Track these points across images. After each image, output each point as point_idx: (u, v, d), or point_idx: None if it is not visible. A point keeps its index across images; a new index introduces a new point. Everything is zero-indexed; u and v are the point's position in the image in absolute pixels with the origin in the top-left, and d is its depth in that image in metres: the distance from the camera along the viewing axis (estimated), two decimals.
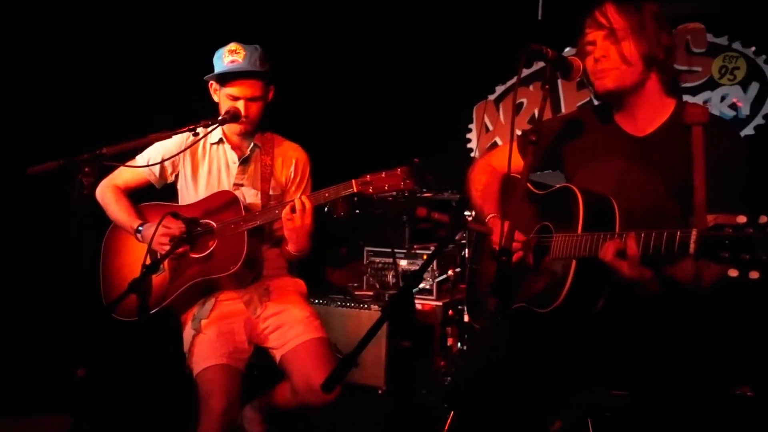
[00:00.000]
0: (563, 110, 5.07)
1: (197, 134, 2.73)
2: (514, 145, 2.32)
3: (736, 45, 4.61)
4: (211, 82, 2.89)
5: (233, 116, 2.77)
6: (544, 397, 2.27)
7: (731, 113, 4.58)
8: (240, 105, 2.80)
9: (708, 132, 1.98)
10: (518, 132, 2.40)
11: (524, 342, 2.15)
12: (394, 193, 2.65)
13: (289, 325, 2.77)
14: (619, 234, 1.87)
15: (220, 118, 2.77)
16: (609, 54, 2.06)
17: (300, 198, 2.68)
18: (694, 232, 1.65)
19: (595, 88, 2.13)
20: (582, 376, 2.17)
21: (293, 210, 2.65)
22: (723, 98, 4.63)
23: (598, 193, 2.04)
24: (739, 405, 3.44)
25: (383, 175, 2.60)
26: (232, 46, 2.83)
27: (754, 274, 1.52)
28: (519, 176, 2.33)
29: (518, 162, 2.36)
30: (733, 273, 1.55)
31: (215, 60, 2.87)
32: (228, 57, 2.81)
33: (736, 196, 1.93)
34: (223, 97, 2.83)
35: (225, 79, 2.80)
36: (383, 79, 5.59)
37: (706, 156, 1.93)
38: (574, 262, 1.95)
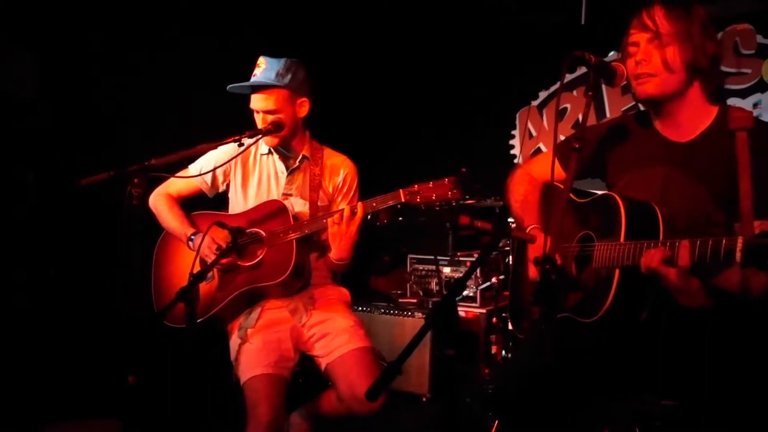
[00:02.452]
0: (608, 115, 5.01)
1: (242, 144, 2.77)
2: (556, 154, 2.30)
3: None
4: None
5: (277, 127, 2.82)
6: (592, 403, 2.24)
7: None
8: (258, 118, 2.86)
9: (753, 137, 1.93)
10: (561, 137, 2.38)
11: (569, 350, 2.13)
12: (443, 203, 2.64)
13: (334, 334, 2.80)
14: (663, 242, 1.84)
15: (264, 128, 2.82)
16: (651, 59, 2.02)
17: (351, 205, 2.70)
18: (740, 240, 1.61)
19: (636, 92, 2.10)
20: (629, 385, 2.14)
21: (342, 216, 2.67)
22: None
23: (640, 200, 2.01)
24: None
25: (431, 185, 2.60)
26: (259, 59, 2.88)
27: None
28: (559, 185, 2.32)
29: (558, 170, 2.33)
30: None
31: None
32: (255, 70, 2.87)
33: None
34: None
35: (251, 91, 2.87)
36: (427, 86, 5.61)
37: (752, 162, 1.89)
38: (617, 272, 1.93)
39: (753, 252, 1.59)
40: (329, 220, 2.69)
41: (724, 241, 1.65)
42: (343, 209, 2.69)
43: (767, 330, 2.07)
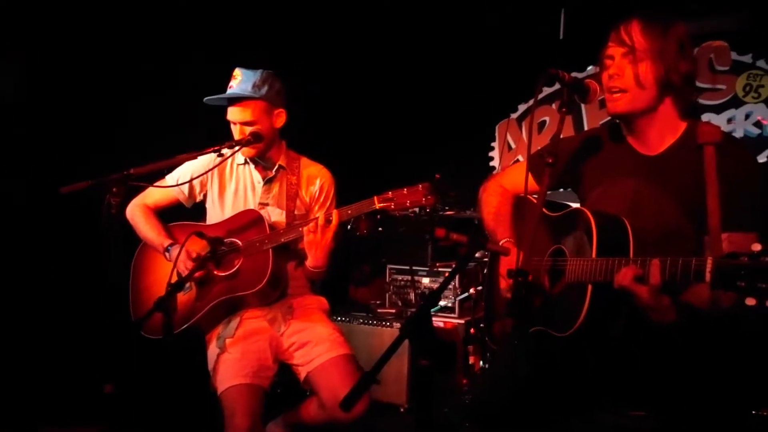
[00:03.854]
0: (585, 128, 5.07)
1: (222, 155, 2.79)
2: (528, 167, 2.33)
3: (761, 63, 4.58)
4: None
5: (257, 137, 2.83)
6: (565, 417, 2.27)
7: (756, 131, 4.55)
8: (236, 129, 2.87)
9: (720, 151, 1.97)
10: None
11: (543, 363, 2.16)
12: (417, 209, 2.66)
13: (314, 343, 2.81)
14: (634, 260, 1.87)
15: (244, 139, 2.82)
16: (624, 73, 2.05)
17: (326, 213, 2.71)
18: (709, 261, 1.64)
19: (607, 108, 2.14)
20: (602, 398, 2.17)
21: (317, 225, 2.68)
22: (747, 116, 4.60)
23: (611, 214, 2.04)
24: (760, 427, 3.39)
25: (405, 192, 2.62)
26: (235, 71, 2.89)
27: None
28: (532, 198, 2.35)
29: (531, 181, 2.35)
30: (751, 302, 1.54)
31: None
32: (231, 82, 2.88)
33: (748, 216, 1.93)
34: None
35: (227, 103, 2.88)
36: (406, 97, 5.62)
37: (719, 176, 1.92)
38: (590, 287, 1.95)
39: (722, 273, 1.62)
40: (305, 228, 2.71)
41: (693, 261, 1.68)
42: (318, 217, 2.70)
43: (736, 344, 2.11)
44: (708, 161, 1.96)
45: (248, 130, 2.85)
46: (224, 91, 2.88)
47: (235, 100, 2.86)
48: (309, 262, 2.78)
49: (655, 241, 1.96)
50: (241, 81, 2.86)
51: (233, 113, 2.86)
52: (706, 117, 4.59)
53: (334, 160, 3.17)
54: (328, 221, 2.68)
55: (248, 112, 2.84)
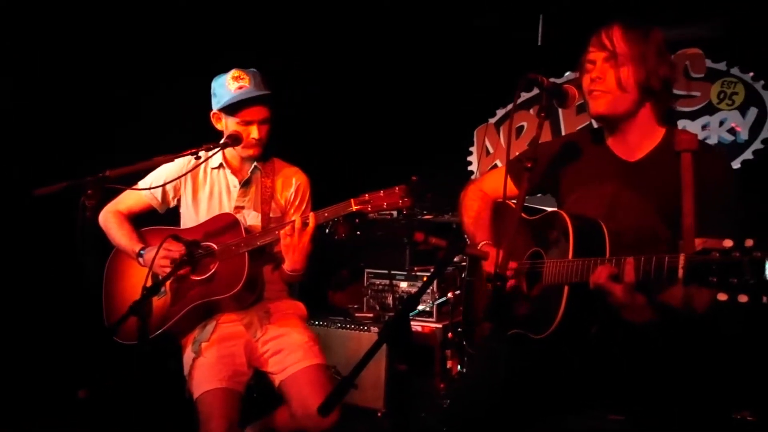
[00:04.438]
0: (563, 133, 5.10)
1: (199, 158, 2.76)
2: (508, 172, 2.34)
3: (735, 70, 4.65)
4: (214, 112, 2.91)
5: (235, 140, 2.81)
6: (542, 420, 2.27)
7: (730, 138, 4.61)
8: (253, 129, 2.84)
9: (697, 159, 2.00)
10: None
11: (521, 366, 2.16)
12: (394, 212, 2.67)
13: (288, 350, 2.79)
14: (609, 259, 1.89)
15: (222, 141, 2.80)
16: (606, 77, 2.08)
17: (302, 216, 2.69)
18: (682, 257, 1.67)
19: (589, 109, 2.16)
20: (579, 401, 2.18)
21: (294, 228, 2.66)
22: (722, 123, 4.66)
23: (587, 217, 2.06)
24: (739, 430, 3.42)
25: (381, 194, 2.62)
26: (235, 72, 2.85)
27: (742, 298, 1.54)
28: (511, 202, 2.36)
29: (510, 186, 2.38)
30: (722, 297, 1.57)
31: (219, 89, 2.87)
32: (234, 84, 2.83)
33: (724, 221, 1.95)
34: (231, 123, 2.86)
35: (236, 106, 2.82)
36: (385, 102, 5.63)
37: (695, 182, 1.96)
38: (566, 288, 1.97)
39: (694, 269, 1.64)
40: (281, 231, 2.69)
41: (666, 258, 1.71)
42: (294, 220, 2.68)
43: (715, 347, 2.13)
44: (685, 168, 1.99)
45: (264, 129, 2.86)
46: (205, 94, 2.87)
47: (253, 100, 2.83)
48: (286, 266, 2.76)
49: (630, 245, 1.98)
50: (253, 81, 2.84)
51: (253, 113, 2.83)
52: (681, 123, 4.65)
53: (310, 163, 3.16)
54: (305, 224, 2.67)
55: (267, 109, 2.86)
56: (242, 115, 2.83)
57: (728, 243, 1.57)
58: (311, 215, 2.69)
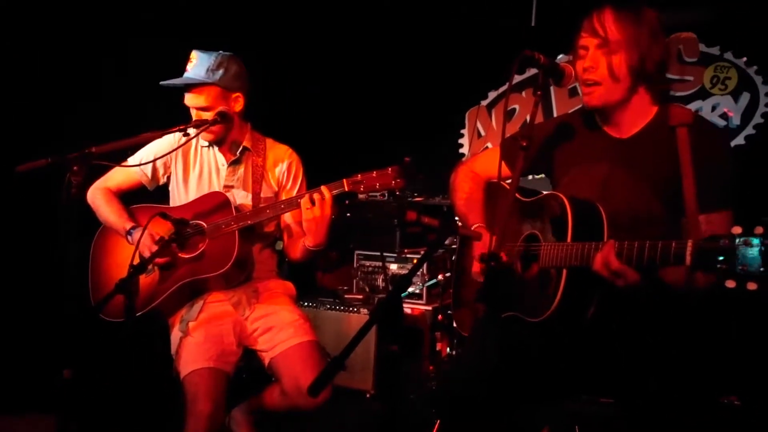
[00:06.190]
0: (555, 115, 5.07)
1: (188, 134, 2.72)
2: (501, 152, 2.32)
3: (728, 55, 4.62)
4: None
5: (224, 117, 2.77)
6: (532, 404, 2.27)
7: (722, 123, 4.59)
8: (193, 114, 2.81)
9: (693, 133, 1.99)
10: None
11: (513, 349, 2.15)
12: (386, 192, 2.64)
13: (278, 328, 2.77)
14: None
15: (210, 119, 2.76)
16: (598, 66, 2.04)
17: (320, 188, 2.63)
18: (689, 244, 1.65)
19: (583, 101, 2.13)
20: (570, 384, 2.17)
21: (312, 201, 2.60)
22: (714, 108, 4.65)
23: (585, 199, 2.04)
24: (725, 414, 3.44)
25: (374, 174, 2.59)
26: (192, 54, 2.82)
27: (751, 286, 1.52)
28: (503, 183, 2.34)
29: (503, 167, 2.33)
30: (731, 284, 1.55)
31: None
32: (186, 66, 2.82)
33: (724, 194, 1.95)
34: None
35: (185, 89, 2.81)
36: (376, 83, 5.57)
37: (693, 157, 1.94)
38: (565, 272, 1.95)
39: (703, 256, 1.62)
40: (302, 204, 2.62)
41: (674, 244, 1.68)
42: (310, 192, 2.62)
43: (702, 329, 2.13)
44: (681, 143, 1.97)
45: (204, 115, 2.79)
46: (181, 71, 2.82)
47: (190, 86, 2.79)
48: (309, 242, 2.69)
49: (627, 225, 1.97)
50: (195, 65, 2.79)
51: (188, 99, 2.81)
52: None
53: (302, 144, 3.12)
54: (323, 195, 2.60)
55: (202, 98, 2.79)
56: (185, 98, 2.82)
57: (737, 229, 1.55)
58: (323, 187, 2.63)
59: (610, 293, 1.88)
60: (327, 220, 2.64)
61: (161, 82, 2.82)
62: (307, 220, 2.63)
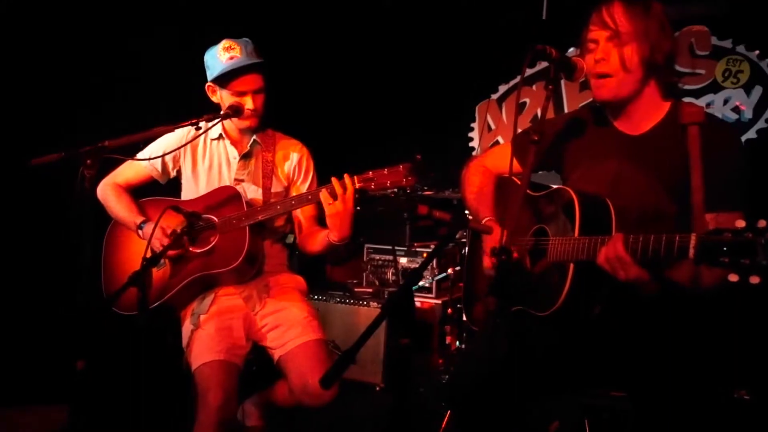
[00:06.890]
0: (566, 110, 5.06)
1: (199, 128, 2.73)
2: (512, 147, 2.32)
3: (740, 48, 4.59)
4: (208, 84, 2.87)
5: (236, 111, 2.77)
6: (542, 397, 2.27)
7: (734, 116, 4.57)
8: (248, 99, 2.79)
9: (704, 131, 1.98)
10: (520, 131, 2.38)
11: (523, 343, 2.15)
12: (396, 189, 2.63)
13: (287, 326, 2.77)
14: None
15: (222, 112, 2.76)
16: (609, 58, 2.04)
17: (344, 179, 2.59)
18: (693, 237, 1.64)
19: (593, 94, 2.13)
20: (581, 378, 2.17)
21: (334, 196, 2.58)
22: (726, 101, 4.62)
23: (594, 194, 2.03)
24: (736, 408, 3.44)
25: (385, 172, 2.57)
26: (226, 43, 2.81)
27: (754, 279, 1.52)
28: (515, 178, 2.34)
29: (514, 162, 2.33)
30: (734, 278, 1.55)
31: (211, 61, 2.84)
32: (225, 54, 2.79)
33: (733, 195, 1.94)
34: (225, 95, 2.81)
35: (228, 77, 2.78)
36: (386, 77, 5.58)
37: (703, 155, 1.93)
38: (572, 266, 1.95)
39: (706, 249, 1.62)
40: (322, 199, 2.61)
41: (677, 238, 1.68)
42: (329, 185, 2.60)
43: (713, 322, 2.12)
44: (692, 141, 1.97)
45: (257, 100, 2.81)
46: (198, 63, 2.82)
47: (245, 70, 2.78)
48: (334, 236, 2.68)
49: (636, 221, 1.97)
50: (243, 50, 2.80)
51: (247, 82, 2.79)
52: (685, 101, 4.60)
53: (312, 140, 3.12)
54: (344, 187, 2.58)
55: (260, 78, 2.81)
56: (235, 85, 2.79)
57: (741, 223, 1.55)
58: (345, 176, 2.60)
59: (618, 289, 1.88)
60: (350, 213, 2.62)
61: (219, 72, 2.77)
62: (330, 215, 2.62)
